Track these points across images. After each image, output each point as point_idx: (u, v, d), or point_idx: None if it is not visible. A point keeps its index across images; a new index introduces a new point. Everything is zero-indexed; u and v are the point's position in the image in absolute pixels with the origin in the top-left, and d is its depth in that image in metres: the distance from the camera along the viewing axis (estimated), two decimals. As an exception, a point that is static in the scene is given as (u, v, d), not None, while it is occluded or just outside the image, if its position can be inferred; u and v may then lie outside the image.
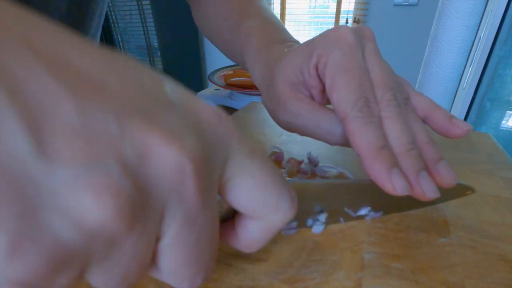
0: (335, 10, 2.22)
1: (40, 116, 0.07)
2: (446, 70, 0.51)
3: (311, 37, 0.23)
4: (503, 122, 1.33)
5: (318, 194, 0.22)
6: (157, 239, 0.10)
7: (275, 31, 0.28)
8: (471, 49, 0.47)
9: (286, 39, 0.27)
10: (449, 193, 0.24)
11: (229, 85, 0.68)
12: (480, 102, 1.32)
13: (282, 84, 0.22)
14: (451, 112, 1.33)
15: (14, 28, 0.08)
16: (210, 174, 0.11)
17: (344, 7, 2.20)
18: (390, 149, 0.18)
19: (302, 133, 0.22)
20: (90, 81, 0.08)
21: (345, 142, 0.20)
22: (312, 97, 0.22)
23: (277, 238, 0.21)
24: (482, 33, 1.22)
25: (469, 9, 0.46)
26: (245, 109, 0.49)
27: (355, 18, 2.15)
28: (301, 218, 0.23)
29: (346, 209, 0.23)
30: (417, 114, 0.21)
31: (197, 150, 0.10)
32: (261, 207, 0.12)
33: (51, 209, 0.08)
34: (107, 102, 0.08)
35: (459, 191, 0.24)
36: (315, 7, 2.34)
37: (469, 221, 0.23)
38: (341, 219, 0.24)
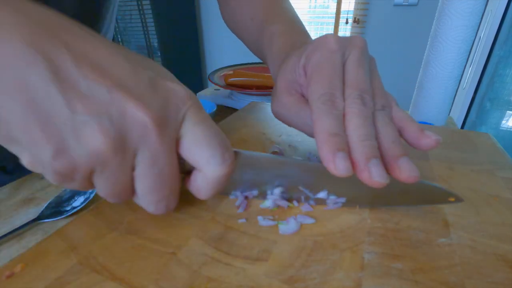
0: (335, 10, 2.22)
1: (68, 88, 0.14)
2: (446, 70, 0.51)
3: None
4: (503, 122, 1.33)
5: (272, 168, 0.24)
6: (133, 169, 0.17)
7: (297, 36, 0.31)
8: (471, 49, 0.47)
9: (306, 43, 0.28)
10: (428, 197, 0.24)
11: (229, 85, 0.68)
12: (480, 102, 1.32)
13: (280, 80, 0.26)
14: (451, 112, 1.33)
15: (56, 31, 0.15)
16: (168, 131, 0.17)
17: (344, 7, 2.19)
18: (343, 138, 0.19)
19: (288, 123, 0.26)
20: (98, 68, 0.15)
21: None
22: (302, 94, 0.25)
23: (277, 238, 0.21)
24: (482, 33, 1.22)
25: (469, 9, 0.46)
26: (245, 109, 0.49)
27: (355, 18, 2.15)
28: (261, 188, 0.25)
29: (302, 188, 0.24)
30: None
31: (159, 115, 0.16)
32: (197, 159, 0.18)
33: (74, 138, 0.15)
34: (106, 82, 0.15)
35: (441, 196, 0.23)
36: (315, 7, 2.34)
37: (469, 221, 0.23)
38: (302, 197, 0.25)
